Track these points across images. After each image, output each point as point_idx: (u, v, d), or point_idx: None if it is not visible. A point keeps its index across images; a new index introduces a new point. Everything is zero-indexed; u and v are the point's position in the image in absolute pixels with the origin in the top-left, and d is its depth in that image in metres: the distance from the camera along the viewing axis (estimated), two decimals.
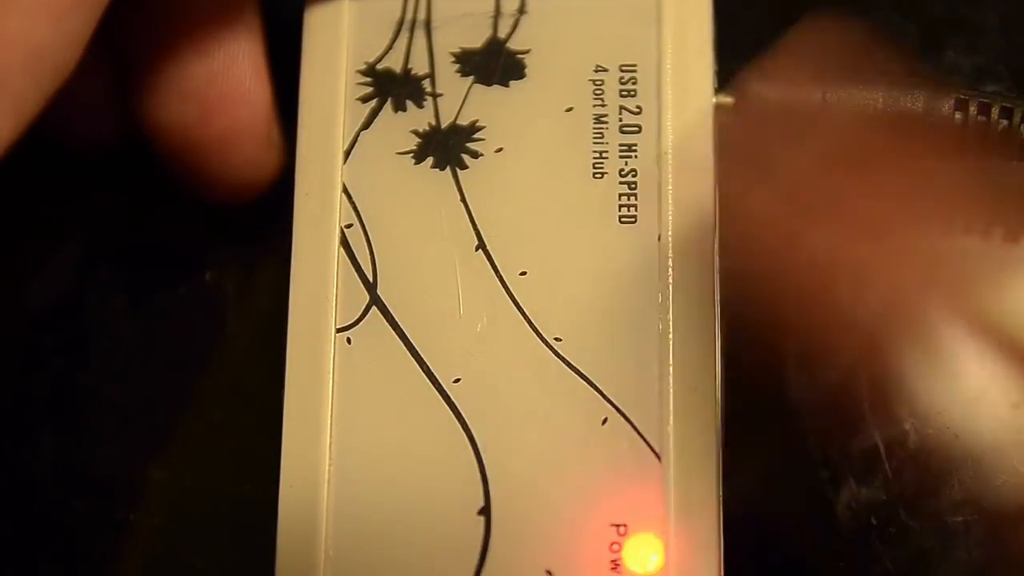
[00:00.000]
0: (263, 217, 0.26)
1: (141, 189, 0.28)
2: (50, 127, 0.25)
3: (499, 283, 0.24)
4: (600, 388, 0.23)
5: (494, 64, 0.25)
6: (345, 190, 0.25)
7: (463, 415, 0.23)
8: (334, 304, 0.24)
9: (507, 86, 0.25)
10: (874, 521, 0.26)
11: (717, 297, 0.24)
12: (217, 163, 0.26)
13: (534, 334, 0.24)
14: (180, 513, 0.27)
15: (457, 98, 0.25)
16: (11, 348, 0.28)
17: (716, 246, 0.24)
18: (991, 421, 0.26)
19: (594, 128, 0.24)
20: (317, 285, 0.24)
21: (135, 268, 0.28)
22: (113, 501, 0.27)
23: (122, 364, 0.28)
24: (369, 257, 0.24)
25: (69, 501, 0.27)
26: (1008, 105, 0.24)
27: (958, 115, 0.25)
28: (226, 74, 0.25)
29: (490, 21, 0.25)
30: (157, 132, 0.26)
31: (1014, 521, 0.25)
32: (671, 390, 0.23)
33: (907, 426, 0.26)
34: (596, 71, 0.25)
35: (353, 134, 0.25)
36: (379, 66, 0.25)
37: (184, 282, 0.28)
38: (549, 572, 0.23)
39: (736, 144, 0.24)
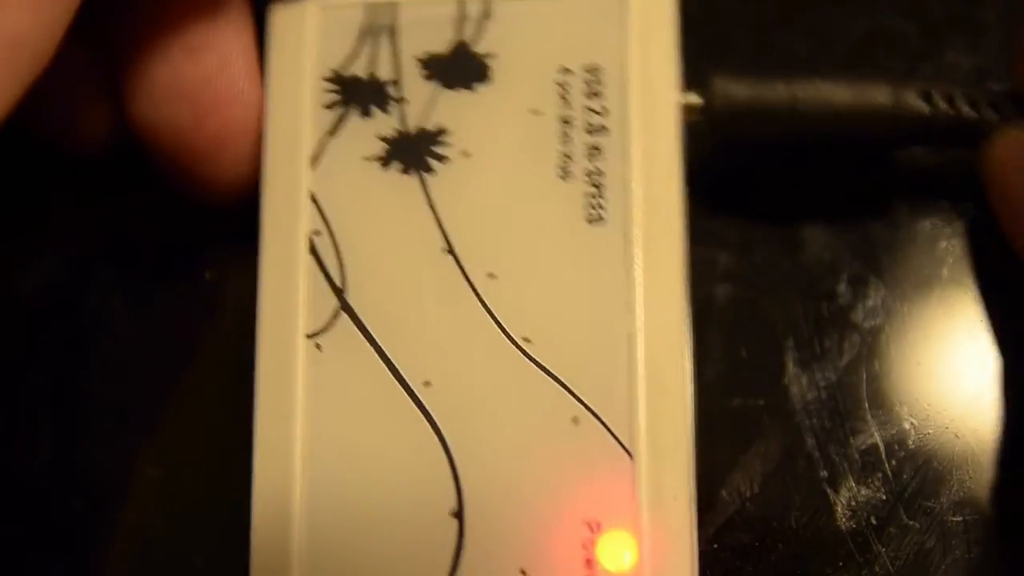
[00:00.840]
0: None
1: (139, 188, 0.28)
2: (44, 129, 0.26)
3: (467, 286, 0.24)
4: (570, 387, 0.23)
5: (459, 68, 0.25)
6: (312, 197, 0.25)
7: (434, 418, 0.23)
8: (303, 311, 0.24)
9: (473, 90, 0.25)
10: (874, 521, 0.26)
11: (686, 294, 0.24)
12: (211, 164, 0.26)
13: (503, 335, 0.24)
14: (180, 512, 0.27)
15: (423, 103, 0.25)
16: (10, 347, 0.28)
17: (685, 245, 0.24)
18: (991, 421, 0.26)
19: (560, 130, 0.24)
20: (286, 292, 0.24)
21: (133, 267, 0.28)
22: (113, 500, 0.27)
23: (121, 363, 0.28)
24: (337, 263, 0.24)
25: (69, 501, 0.27)
26: (974, 96, 0.24)
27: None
28: (219, 75, 0.25)
29: (455, 25, 0.25)
30: (150, 134, 0.26)
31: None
32: (641, 387, 0.23)
33: (907, 426, 0.26)
34: (561, 73, 0.25)
35: (319, 141, 0.25)
36: (344, 72, 0.25)
37: (183, 281, 0.28)
38: (523, 572, 0.23)
39: None
